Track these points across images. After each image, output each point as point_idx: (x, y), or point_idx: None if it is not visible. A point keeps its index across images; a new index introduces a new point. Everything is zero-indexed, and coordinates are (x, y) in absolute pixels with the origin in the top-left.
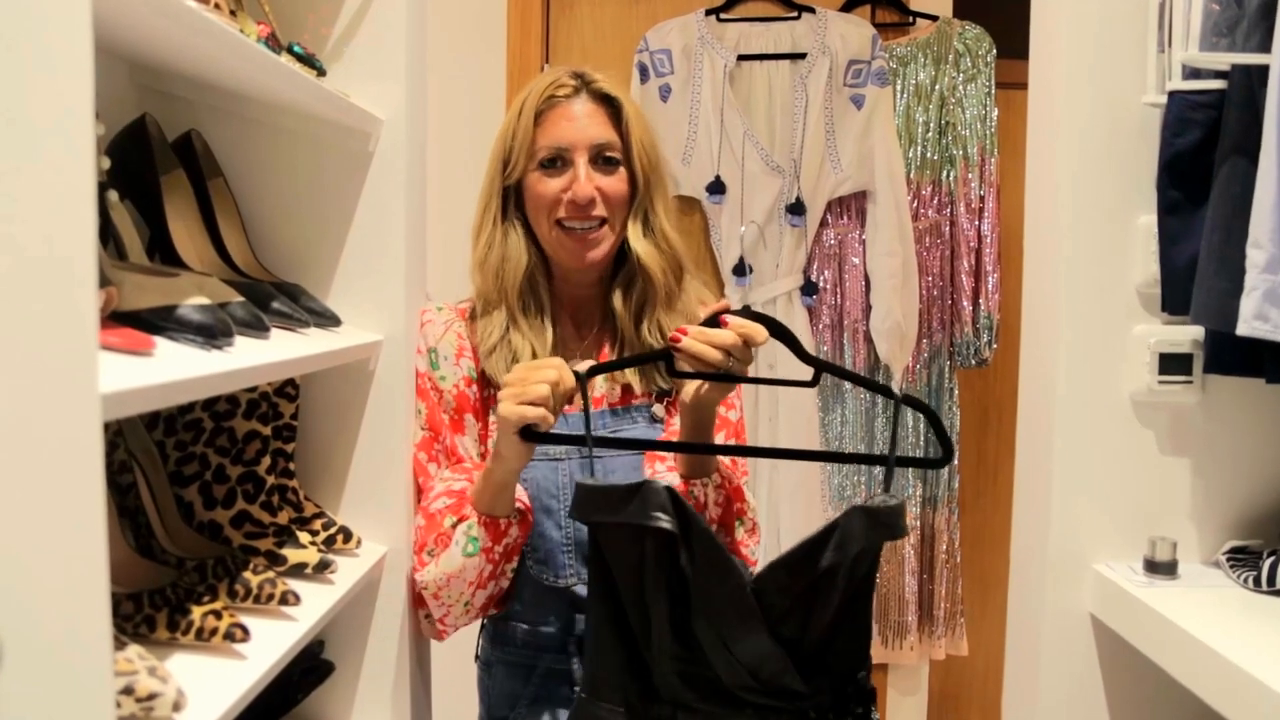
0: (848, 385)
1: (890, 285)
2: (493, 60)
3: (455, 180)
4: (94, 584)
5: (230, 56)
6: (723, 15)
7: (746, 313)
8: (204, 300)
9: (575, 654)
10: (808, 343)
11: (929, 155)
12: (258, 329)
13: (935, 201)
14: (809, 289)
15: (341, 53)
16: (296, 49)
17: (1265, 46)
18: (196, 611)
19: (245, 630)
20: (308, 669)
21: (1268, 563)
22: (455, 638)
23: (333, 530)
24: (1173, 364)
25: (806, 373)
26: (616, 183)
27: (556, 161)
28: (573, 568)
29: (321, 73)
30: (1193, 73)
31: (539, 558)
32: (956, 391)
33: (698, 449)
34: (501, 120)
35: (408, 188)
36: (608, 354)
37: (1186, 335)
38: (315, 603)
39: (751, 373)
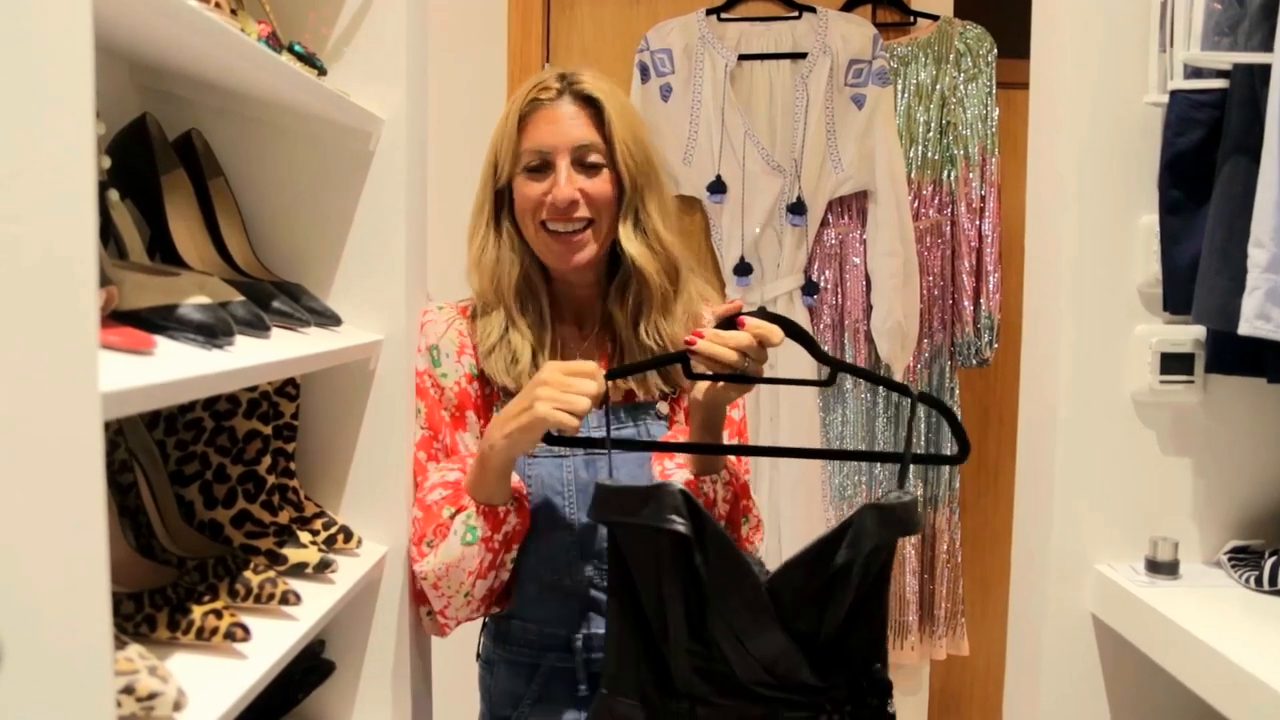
0: (848, 385)
1: (891, 285)
2: (493, 60)
3: (456, 180)
4: (94, 583)
5: (231, 56)
6: (724, 15)
7: (762, 314)
8: (204, 299)
9: (579, 653)
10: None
11: (930, 155)
12: (258, 328)
13: (936, 201)
14: (810, 289)
15: (342, 52)
16: (297, 48)
17: (1267, 45)
18: (197, 611)
19: (246, 630)
20: (308, 668)
21: (1269, 562)
22: (456, 636)
23: (333, 530)
24: (1174, 364)
25: (815, 373)
26: (600, 184)
27: (540, 165)
28: (577, 565)
29: (322, 72)
30: (1194, 72)
31: (543, 555)
32: (958, 391)
33: (714, 449)
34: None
35: (408, 187)
36: (609, 354)
37: (1188, 335)
38: (316, 602)
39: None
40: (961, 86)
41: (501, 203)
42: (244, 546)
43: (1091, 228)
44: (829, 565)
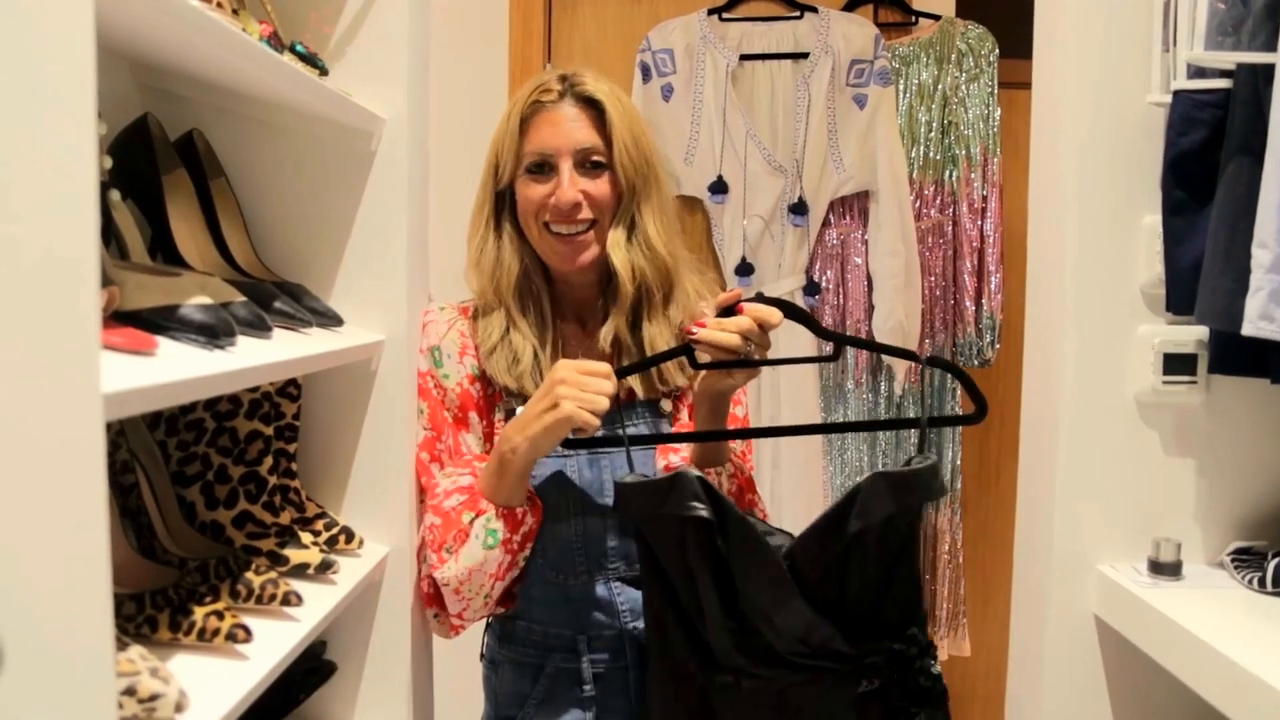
0: (850, 385)
1: (893, 285)
2: (495, 60)
3: (457, 180)
4: (96, 584)
5: (232, 55)
6: (725, 15)
7: (760, 299)
8: (206, 300)
9: (584, 653)
10: (811, 342)
11: (932, 155)
12: (260, 329)
13: (938, 201)
14: (811, 289)
15: (344, 52)
16: (299, 48)
17: (1271, 45)
18: (199, 612)
19: (247, 631)
20: (310, 669)
21: (1273, 564)
22: (460, 636)
23: (335, 530)
24: (1177, 364)
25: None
26: (602, 186)
27: (543, 167)
28: (582, 565)
29: (324, 72)
30: (1198, 72)
31: (548, 556)
32: (959, 392)
33: (730, 434)
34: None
35: (410, 187)
36: (610, 354)
37: (1191, 335)
38: (317, 603)
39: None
40: (963, 86)
41: (502, 203)
42: (245, 547)
43: (1094, 228)
44: (843, 534)
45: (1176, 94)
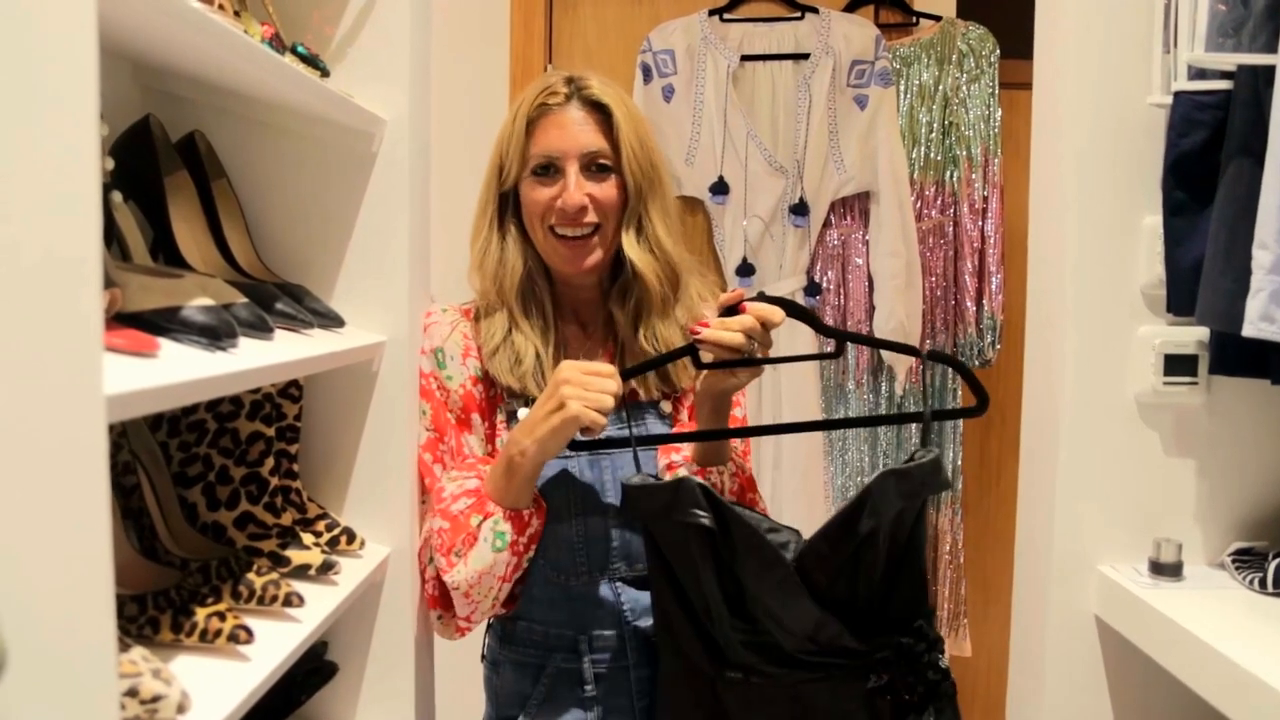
0: (850, 385)
1: (893, 286)
2: (496, 60)
3: (458, 181)
4: (98, 585)
5: (234, 57)
6: (726, 15)
7: (762, 298)
8: (208, 301)
9: (586, 653)
10: (812, 342)
11: (932, 156)
12: (261, 330)
13: (939, 202)
14: (812, 289)
15: (345, 53)
16: (300, 49)
17: (1271, 47)
18: (200, 613)
19: (249, 632)
20: (311, 670)
21: (1273, 564)
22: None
23: (336, 531)
24: (1178, 365)
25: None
26: (608, 190)
27: (549, 169)
28: (583, 565)
29: (325, 73)
30: (1198, 73)
31: (550, 557)
32: (960, 392)
33: (735, 433)
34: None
35: (411, 188)
36: (612, 354)
37: (1191, 336)
38: (319, 604)
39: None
40: (964, 87)
41: (506, 204)
42: (247, 548)
43: (1094, 229)
44: (854, 534)
45: (1177, 95)
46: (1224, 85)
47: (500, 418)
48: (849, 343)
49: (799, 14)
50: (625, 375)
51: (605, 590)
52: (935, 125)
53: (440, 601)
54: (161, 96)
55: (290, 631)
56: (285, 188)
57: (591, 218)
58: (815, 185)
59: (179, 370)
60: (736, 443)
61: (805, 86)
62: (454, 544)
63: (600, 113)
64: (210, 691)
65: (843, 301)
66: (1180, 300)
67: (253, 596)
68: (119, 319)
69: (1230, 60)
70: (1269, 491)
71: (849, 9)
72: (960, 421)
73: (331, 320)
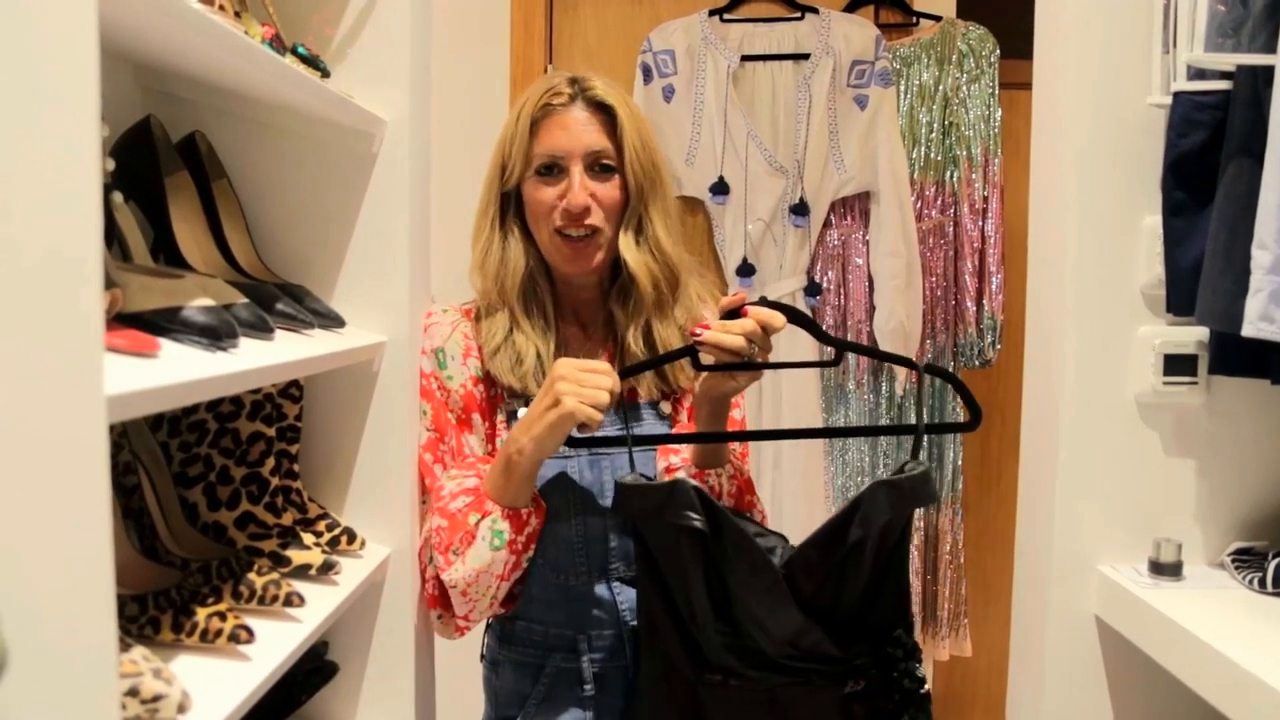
0: (851, 386)
1: (894, 286)
2: (496, 61)
3: (459, 181)
4: (99, 585)
5: (234, 58)
6: (726, 15)
7: (764, 303)
8: (208, 302)
9: (585, 652)
10: (812, 344)
11: (932, 156)
12: (262, 330)
13: (939, 202)
14: (813, 290)
15: (345, 54)
16: (301, 50)
17: (1271, 47)
18: (201, 613)
19: (250, 631)
20: (312, 670)
21: (1273, 564)
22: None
23: (337, 531)
24: (1177, 365)
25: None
26: (611, 190)
27: (553, 169)
28: (583, 565)
29: (325, 74)
30: (1198, 73)
31: (549, 556)
32: None
33: (732, 436)
34: (504, 123)
35: (411, 189)
36: (612, 354)
37: (1191, 336)
38: (319, 604)
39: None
40: (964, 87)
41: (507, 204)
42: (247, 548)
43: (1094, 229)
44: (843, 543)
45: (1177, 95)
46: (1223, 85)
47: (500, 418)
48: (854, 349)
49: (799, 14)
50: (623, 374)
51: (604, 590)
52: (935, 125)
53: (440, 601)
54: (162, 97)
55: (291, 631)
56: (286, 188)
57: (595, 218)
58: (815, 185)
59: (179, 370)
60: (735, 445)
61: (805, 87)
62: (452, 542)
63: (604, 113)
64: (211, 691)
65: (843, 302)
66: (1180, 300)
67: (253, 596)
68: (120, 319)
69: (1230, 60)
70: (1269, 491)
71: (849, 9)
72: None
73: (332, 320)
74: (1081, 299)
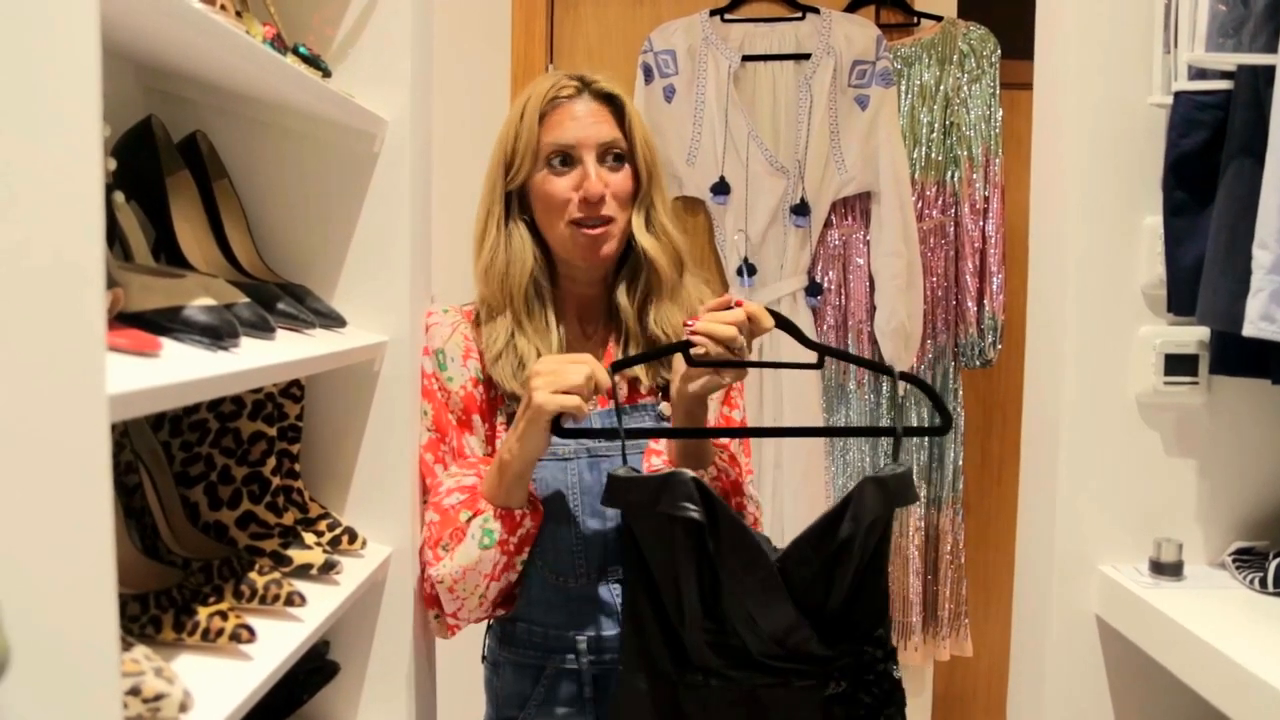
0: (851, 386)
1: (895, 286)
2: (497, 61)
3: (460, 181)
4: (101, 585)
5: (235, 58)
6: (727, 16)
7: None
8: (210, 301)
9: (585, 654)
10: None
11: (933, 156)
12: (263, 330)
13: (940, 202)
14: (813, 290)
15: (346, 54)
16: (302, 50)
17: (1272, 47)
18: (203, 612)
19: (251, 631)
20: (313, 669)
21: (1274, 564)
22: (461, 637)
23: (338, 531)
24: (1178, 365)
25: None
26: (624, 180)
27: (566, 159)
28: (582, 567)
29: (327, 74)
30: (1199, 73)
31: (548, 558)
32: (961, 392)
33: (725, 433)
34: (504, 121)
35: (412, 189)
36: (613, 351)
37: (1192, 336)
38: (321, 603)
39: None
40: (965, 87)
41: (511, 203)
42: (249, 548)
43: (1095, 229)
44: (834, 540)
45: (1177, 95)
46: (1224, 85)
47: (500, 419)
48: (834, 354)
49: (800, 14)
50: (617, 367)
51: (603, 592)
52: (936, 125)
53: (437, 600)
54: (163, 97)
55: (292, 631)
56: (287, 188)
57: (608, 208)
58: (816, 185)
59: (181, 370)
60: (733, 445)
61: (806, 87)
62: (441, 537)
63: (611, 105)
64: (212, 690)
65: (844, 302)
66: (1181, 300)
67: (255, 596)
68: (121, 319)
69: (1230, 60)
70: (1269, 491)
71: (850, 9)
72: (962, 421)
73: (333, 320)
74: (1082, 299)
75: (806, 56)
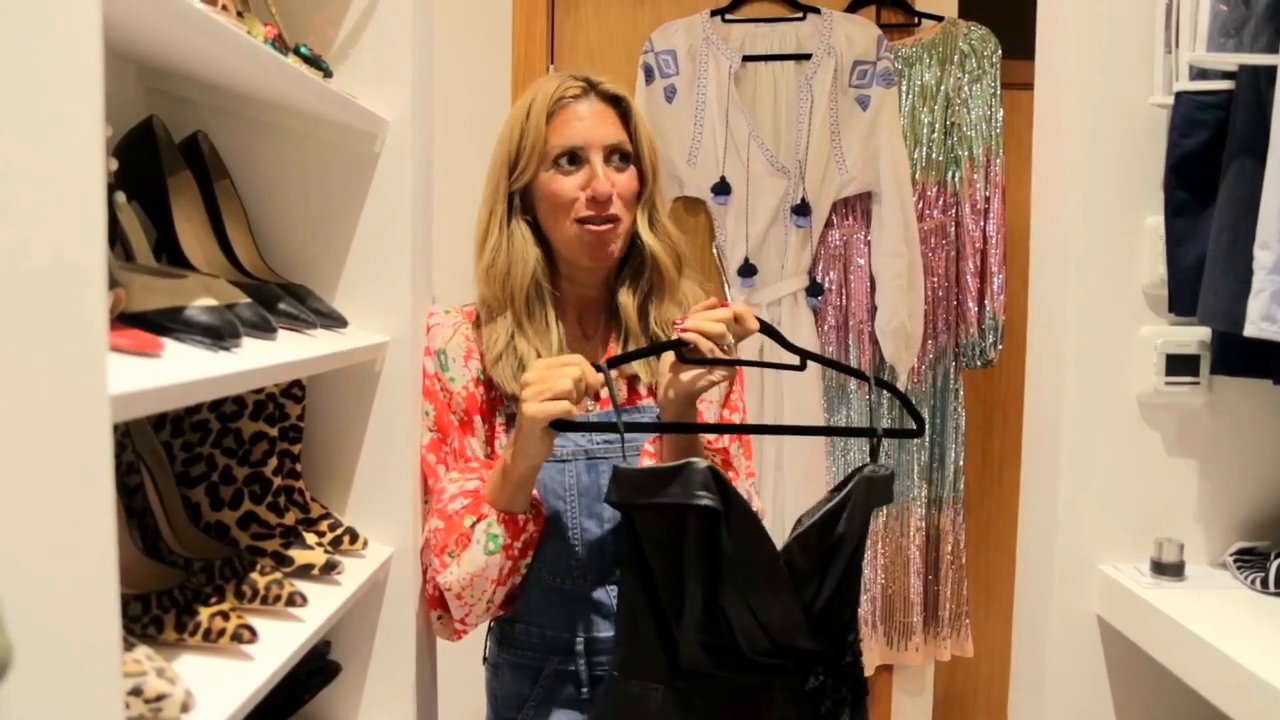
0: (852, 386)
1: (895, 286)
2: (498, 62)
3: (460, 182)
4: (103, 585)
5: (237, 58)
6: (728, 16)
7: None
8: (211, 302)
9: (582, 655)
10: (813, 343)
11: (934, 156)
12: (264, 330)
13: (940, 202)
14: (814, 290)
15: (348, 54)
16: (303, 50)
17: (1273, 47)
18: (204, 612)
19: (253, 631)
20: (314, 669)
21: (1275, 564)
22: (462, 640)
23: (339, 531)
24: (1179, 365)
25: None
26: (629, 180)
27: (574, 159)
28: (580, 569)
29: (328, 74)
30: (1200, 73)
31: (546, 560)
32: (962, 393)
33: (723, 429)
34: (506, 121)
35: (413, 189)
36: (614, 351)
37: (1193, 336)
38: (322, 604)
39: (745, 371)
40: (966, 87)
41: (513, 204)
42: (250, 548)
43: (1096, 229)
44: (832, 535)
45: (1179, 95)
46: (1225, 85)
47: (500, 420)
48: (814, 359)
49: (801, 14)
50: (612, 363)
51: (601, 594)
52: (937, 125)
53: (440, 602)
54: (165, 97)
55: (293, 631)
56: (288, 188)
57: (615, 207)
58: (817, 185)
59: (182, 370)
60: (734, 450)
61: (807, 87)
62: (447, 544)
63: (617, 106)
64: (214, 690)
65: (844, 302)
66: (1182, 300)
67: (256, 596)
68: (123, 319)
69: (1232, 60)
70: (1270, 491)
71: (851, 9)
72: (963, 421)
73: (334, 320)
74: (1083, 299)
75: (807, 57)
